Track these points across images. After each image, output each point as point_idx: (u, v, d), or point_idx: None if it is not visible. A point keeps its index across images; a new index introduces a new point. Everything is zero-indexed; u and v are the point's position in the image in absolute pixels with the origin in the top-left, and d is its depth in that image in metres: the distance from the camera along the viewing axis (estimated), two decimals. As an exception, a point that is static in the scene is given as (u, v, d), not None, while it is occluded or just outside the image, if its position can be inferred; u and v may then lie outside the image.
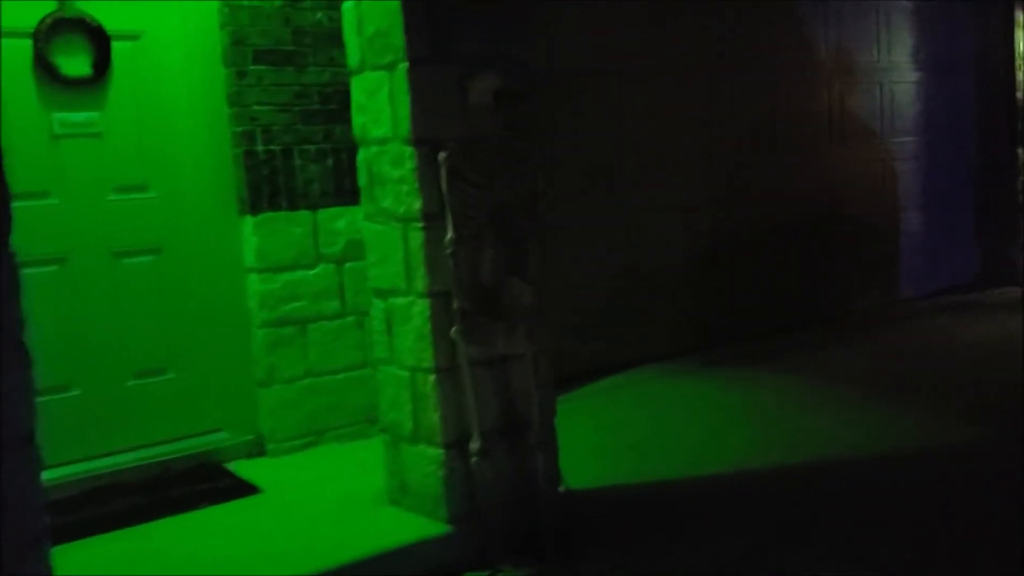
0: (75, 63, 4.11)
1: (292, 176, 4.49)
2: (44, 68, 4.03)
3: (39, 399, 3.92)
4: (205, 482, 4.20)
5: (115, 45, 4.20)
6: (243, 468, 4.38)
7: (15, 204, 3.93)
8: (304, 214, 4.53)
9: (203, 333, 4.51)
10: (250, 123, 4.39)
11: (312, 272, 4.56)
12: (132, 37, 4.26)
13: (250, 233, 4.44)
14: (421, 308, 3.46)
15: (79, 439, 4.19)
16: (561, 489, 3.68)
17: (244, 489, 4.10)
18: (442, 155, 3.35)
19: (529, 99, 3.48)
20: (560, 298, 5.52)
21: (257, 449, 4.56)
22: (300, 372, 4.56)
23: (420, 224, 3.42)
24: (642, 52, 5.94)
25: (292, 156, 4.50)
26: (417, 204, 3.41)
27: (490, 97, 3.38)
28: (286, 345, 4.52)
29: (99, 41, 4.13)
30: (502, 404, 3.57)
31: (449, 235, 3.36)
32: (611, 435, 4.69)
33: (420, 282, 3.44)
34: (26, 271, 4.08)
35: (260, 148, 4.42)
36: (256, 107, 4.40)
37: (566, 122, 5.56)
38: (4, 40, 3.94)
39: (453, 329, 3.40)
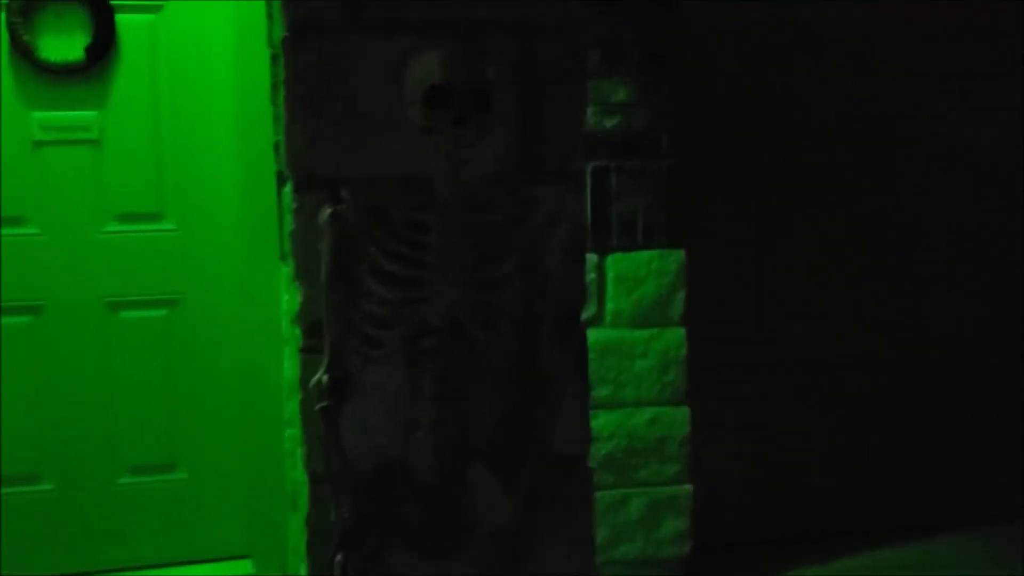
0: (63, 44, 3.01)
1: (346, 211, 3.02)
2: (22, 52, 2.98)
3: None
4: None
5: (123, 20, 3.05)
6: (244, 626, 3.06)
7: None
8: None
9: (230, 421, 3.24)
10: (289, 131, 2.99)
11: (367, 355, 3.06)
12: (148, 9, 3.08)
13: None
14: (304, 499, 1.84)
15: (44, 550, 3.14)
16: None
17: None
18: (325, 211, 1.68)
19: (495, 102, 1.66)
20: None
21: (283, 595, 3.20)
22: (342, 498, 3.10)
23: (299, 342, 1.79)
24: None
25: (349, 182, 3.02)
26: (296, 302, 1.79)
27: (418, 99, 1.63)
28: (324, 456, 3.08)
29: (99, 15, 2.99)
30: None
31: (320, 372, 1.69)
32: None
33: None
34: (-13, 320, 3.16)
35: (303, 168, 3.01)
36: (300, 108, 2.99)
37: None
38: (-33, 14, 2.96)
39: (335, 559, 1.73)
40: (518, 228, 1.71)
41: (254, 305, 3.15)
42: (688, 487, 3.27)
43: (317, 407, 1.68)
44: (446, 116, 1.59)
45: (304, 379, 1.75)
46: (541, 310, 1.74)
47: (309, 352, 1.75)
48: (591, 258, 3.20)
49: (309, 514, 1.79)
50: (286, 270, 3.02)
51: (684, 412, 3.26)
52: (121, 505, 3.19)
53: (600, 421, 3.22)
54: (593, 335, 3.21)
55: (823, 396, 3.61)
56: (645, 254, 3.21)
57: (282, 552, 3.21)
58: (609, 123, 3.21)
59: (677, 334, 3.26)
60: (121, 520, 3.19)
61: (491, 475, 1.72)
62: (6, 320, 3.07)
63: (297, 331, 1.79)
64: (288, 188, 1.92)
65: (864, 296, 3.64)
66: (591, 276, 3.20)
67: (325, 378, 1.67)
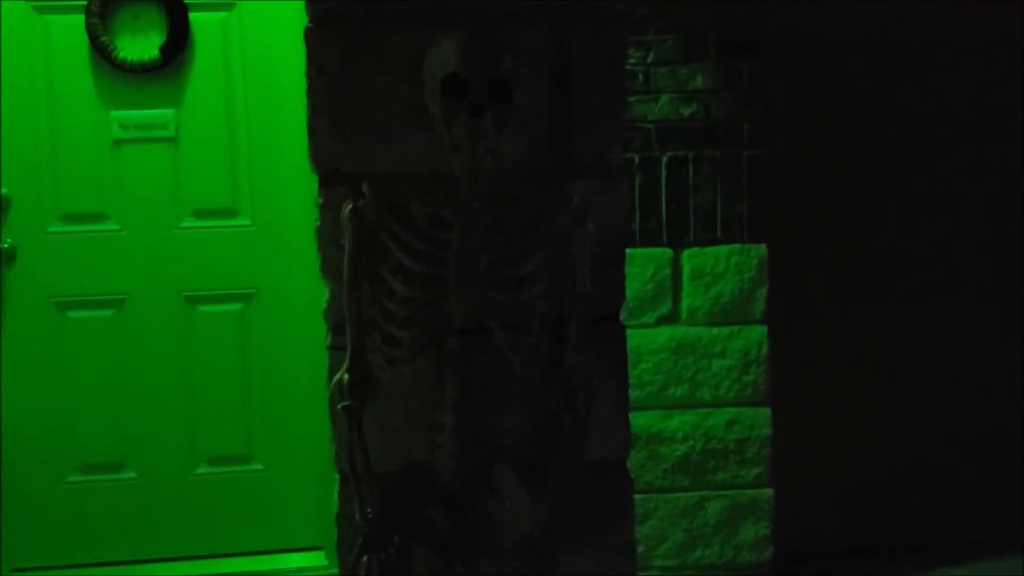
0: (140, 44, 3.08)
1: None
2: (100, 52, 3.06)
3: (83, 477, 3.14)
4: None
5: (197, 18, 3.10)
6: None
7: (63, 228, 3.13)
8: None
9: (304, 414, 3.26)
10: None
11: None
12: (221, 6, 3.12)
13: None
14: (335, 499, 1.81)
15: (126, 536, 3.23)
16: None
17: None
18: (347, 207, 1.65)
19: (517, 92, 1.57)
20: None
21: (352, 589, 3.19)
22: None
23: (328, 340, 1.76)
24: None
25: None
26: (323, 300, 1.76)
27: (435, 89, 1.57)
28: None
29: (174, 14, 3.05)
30: None
31: (341, 372, 1.66)
32: None
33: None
34: (74, 314, 3.27)
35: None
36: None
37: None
38: (53, 17, 3.05)
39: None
40: (545, 225, 1.63)
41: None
42: (769, 491, 3.13)
43: (339, 406, 1.65)
44: (463, 107, 1.52)
45: (329, 377, 1.72)
46: (570, 310, 1.66)
47: (335, 350, 1.72)
48: (665, 253, 3.10)
49: (338, 512, 1.77)
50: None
51: (765, 413, 3.12)
52: (199, 494, 3.26)
53: (675, 422, 3.11)
54: (667, 333, 3.10)
55: (915, 401, 3.40)
56: (724, 248, 3.08)
57: (354, 545, 3.22)
58: (686, 111, 3.09)
59: (758, 332, 3.11)
60: (199, 509, 3.26)
61: (517, 481, 1.65)
62: (90, 313, 3.16)
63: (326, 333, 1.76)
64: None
65: (960, 299, 3.40)
66: (665, 272, 3.10)
67: (346, 377, 1.63)
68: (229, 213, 3.21)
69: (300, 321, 3.21)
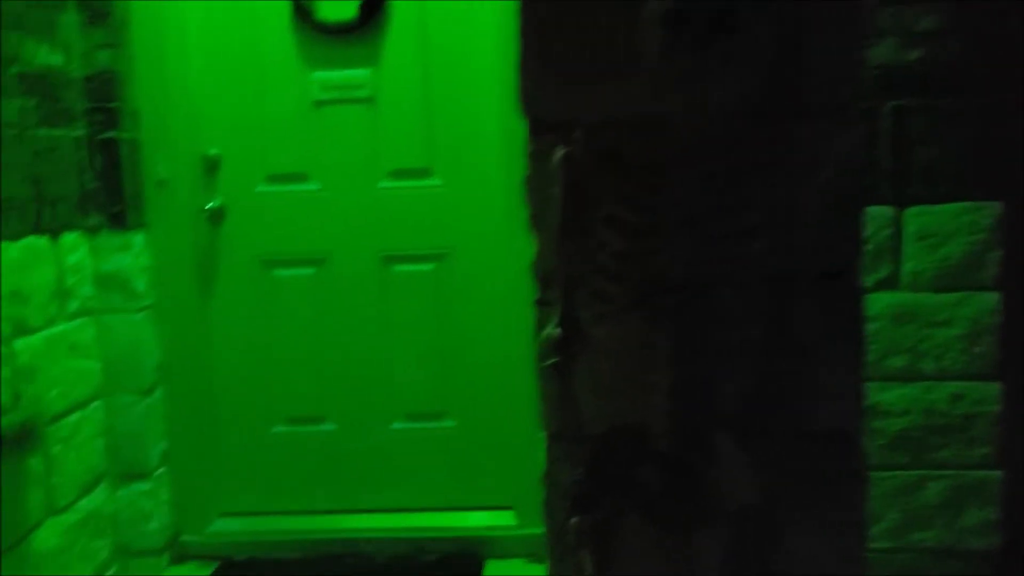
0: (338, 4, 3.10)
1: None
2: (301, 13, 3.11)
3: (288, 428, 3.26)
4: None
5: (394, -23, 3.10)
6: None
7: (268, 188, 3.22)
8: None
9: (497, 373, 3.24)
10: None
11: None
12: (419, -37, 3.11)
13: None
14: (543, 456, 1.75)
15: (325, 486, 3.33)
16: None
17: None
18: (559, 152, 1.55)
19: (743, 25, 1.42)
20: None
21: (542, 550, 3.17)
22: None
23: (536, 294, 1.68)
24: None
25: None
26: (518, 258, 1.69)
27: (654, 23, 1.44)
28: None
29: (372, -27, 3.06)
30: None
31: (550, 327, 1.57)
32: None
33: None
34: (279, 272, 3.36)
35: (566, 118, 2.92)
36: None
37: None
38: (257, -20, 3.12)
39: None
40: (770, 171, 1.48)
41: (518, 258, 3.11)
42: (998, 472, 2.86)
43: (547, 362, 1.57)
44: (683, 42, 1.39)
45: (537, 333, 1.65)
46: (797, 266, 1.51)
47: (543, 305, 1.64)
48: (886, 212, 2.86)
49: (546, 473, 1.70)
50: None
51: (995, 388, 2.84)
52: (394, 449, 3.31)
53: (892, 395, 2.88)
54: (886, 299, 2.87)
55: None
56: (953, 207, 2.82)
57: (545, 508, 3.18)
58: (912, 56, 2.82)
59: (989, 299, 2.83)
60: (393, 463, 3.31)
61: (736, 447, 1.53)
62: (294, 271, 3.25)
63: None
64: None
65: None
66: (886, 232, 2.86)
67: (555, 332, 1.55)
68: (423, 173, 3.20)
69: (493, 280, 3.19)
